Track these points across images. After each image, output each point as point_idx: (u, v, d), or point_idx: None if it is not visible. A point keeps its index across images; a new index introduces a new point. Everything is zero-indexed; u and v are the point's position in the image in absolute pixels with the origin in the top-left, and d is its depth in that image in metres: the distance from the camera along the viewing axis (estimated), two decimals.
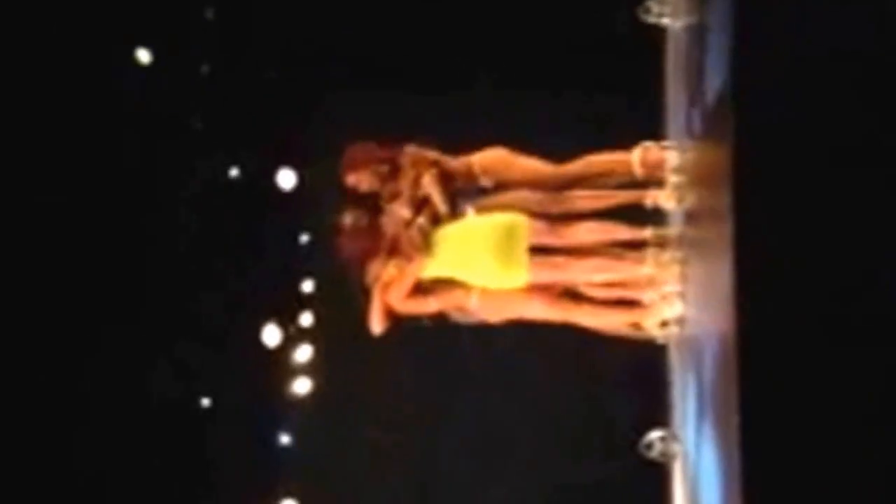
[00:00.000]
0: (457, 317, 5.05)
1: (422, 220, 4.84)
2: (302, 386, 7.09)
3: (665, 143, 4.98)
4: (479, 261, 4.78)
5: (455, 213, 4.95)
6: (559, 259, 4.76)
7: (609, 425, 6.43)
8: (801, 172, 2.53)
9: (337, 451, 7.23)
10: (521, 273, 4.74)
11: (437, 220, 4.89)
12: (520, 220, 4.81)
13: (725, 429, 2.79)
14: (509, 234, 4.76)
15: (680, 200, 4.64)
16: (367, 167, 5.00)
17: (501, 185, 5.00)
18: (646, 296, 4.68)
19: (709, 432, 3.23)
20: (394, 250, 4.90)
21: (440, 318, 5.01)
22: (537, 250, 4.77)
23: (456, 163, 5.04)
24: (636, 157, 4.89)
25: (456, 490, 7.10)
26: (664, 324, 4.60)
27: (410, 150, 5.00)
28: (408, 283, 4.82)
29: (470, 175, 4.99)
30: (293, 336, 7.10)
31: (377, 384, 7.21)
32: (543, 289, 4.80)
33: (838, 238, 2.48)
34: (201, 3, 6.73)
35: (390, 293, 4.86)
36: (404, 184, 4.94)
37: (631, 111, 6.26)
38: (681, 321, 4.44)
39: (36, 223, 5.53)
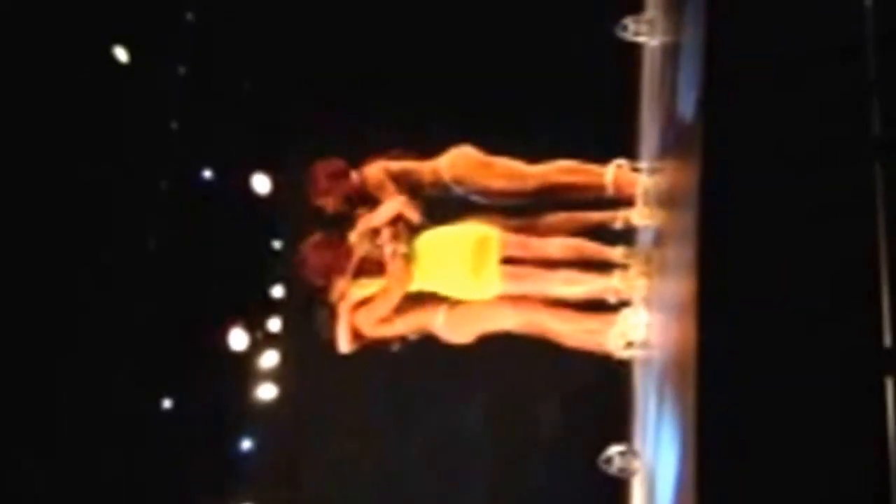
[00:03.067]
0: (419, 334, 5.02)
1: (401, 246, 4.81)
2: (267, 392, 7.04)
3: (637, 163, 4.99)
4: (451, 271, 4.77)
5: (423, 225, 4.94)
6: (529, 270, 4.76)
7: (573, 440, 6.41)
8: (766, 191, 2.54)
9: (299, 459, 7.18)
10: (493, 283, 4.74)
11: (410, 233, 4.88)
12: (492, 231, 4.81)
13: (682, 438, 2.79)
14: (481, 244, 4.76)
15: (650, 218, 4.65)
16: (332, 191, 4.97)
17: (473, 192, 4.99)
18: (614, 307, 4.69)
19: (666, 444, 3.22)
20: (362, 270, 4.87)
21: (404, 340, 4.98)
22: (508, 261, 4.77)
23: (423, 170, 5.00)
24: (609, 175, 4.89)
25: (419, 501, 7.06)
26: (630, 336, 4.61)
27: (374, 172, 4.96)
28: (384, 309, 4.80)
29: (439, 182, 4.97)
30: (260, 341, 7.07)
31: (343, 392, 7.18)
32: (513, 299, 4.79)
33: (799, 252, 2.49)
34: (182, 4, 6.72)
35: (360, 315, 4.84)
36: (371, 211, 4.90)
37: (606, 128, 6.27)
38: (646, 334, 4.44)
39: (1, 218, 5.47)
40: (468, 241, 4.78)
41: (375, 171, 4.94)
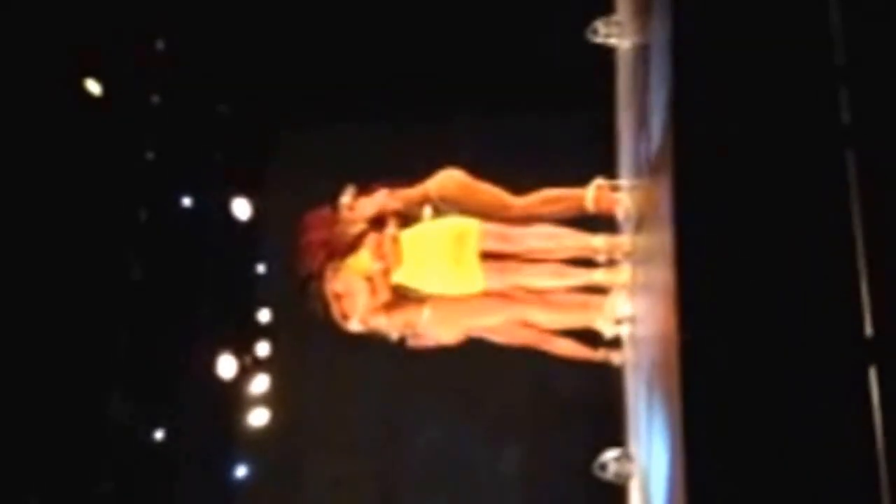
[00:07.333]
0: (411, 342, 5.00)
1: (398, 231, 4.80)
2: (259, 417, 7.00)
3: (617, 181, 4.98)
4: (433, 267, 4.75)
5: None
6: (512, 263, 4.76)
7: (566, 449, 6.38)
8: (741, 184, 2.52)
9: (294, 482, 7.13)
10: (475, 278, 4.73)
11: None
12: (472, 224, 4.79)
13: (671, 437, 2.77)
14: (460, 238, 4.75)
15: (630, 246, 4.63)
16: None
17: (458, 212, 4.99)
18: (598, 300, 4.69)
19: (658, 444, 3.19)
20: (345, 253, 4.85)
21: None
22: (489, 255, 4.76)
23: (412, 197, 5.00)
24: (590, 197, 4.90)
25: None
26: (617, 316, 4.60)
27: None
28: (383, 294, 4.77)
29: (427, 202, 4.95)
30: (249, 367, 7.03)
31: (335, 415, 7.14)
32: (498, 294, 4.78)
33: (776, 244, 2.48)
34: (152, 33, 6.70)
35: (349, 304, 4.82)
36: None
37: (587, 132, 6.28)
38: (631, 326, 4.43)
39: None
40: (448, 236, 4.77)
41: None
